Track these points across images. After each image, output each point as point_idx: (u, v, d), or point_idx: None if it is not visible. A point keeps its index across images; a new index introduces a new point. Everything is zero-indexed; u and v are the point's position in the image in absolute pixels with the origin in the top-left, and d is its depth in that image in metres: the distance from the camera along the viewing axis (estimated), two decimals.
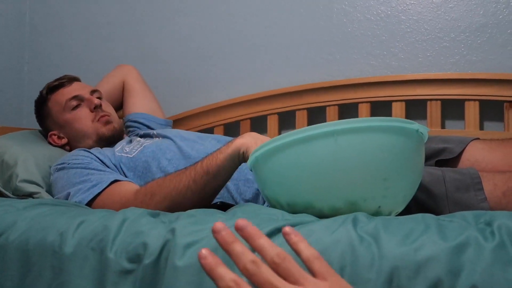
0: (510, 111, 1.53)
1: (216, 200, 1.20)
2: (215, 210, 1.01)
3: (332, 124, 0.85)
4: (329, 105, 1.70)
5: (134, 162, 1.35)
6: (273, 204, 0.97)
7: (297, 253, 0.46)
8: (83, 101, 1.49)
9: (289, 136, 0.87)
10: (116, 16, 2.01)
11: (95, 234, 0.89)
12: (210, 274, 0.43)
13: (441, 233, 0.73)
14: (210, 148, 1.35)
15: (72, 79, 1.57)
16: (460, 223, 0.77)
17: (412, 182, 0.93)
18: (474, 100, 1.56)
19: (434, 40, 1.65)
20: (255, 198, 1.26)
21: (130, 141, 1.48)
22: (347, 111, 1.70)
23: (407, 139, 0.88)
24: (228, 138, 1.46)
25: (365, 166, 0.85)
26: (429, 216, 0.82)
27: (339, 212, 0.87)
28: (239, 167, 1.09)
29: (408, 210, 0.98)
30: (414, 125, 0.89)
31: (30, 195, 1.31)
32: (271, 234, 0.80)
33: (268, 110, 1.76)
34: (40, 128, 1.60)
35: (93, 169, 1.28)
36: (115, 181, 1.22)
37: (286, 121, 1.77)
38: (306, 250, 0.46)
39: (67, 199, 1.23)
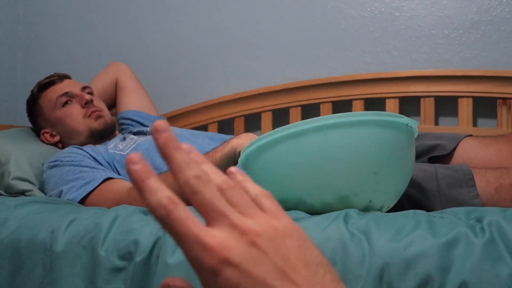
0: (503, 108, 1.53)
1: None
2: None
3: (321, 119, 0.85)
4: (323, 102, 1.69)
5: None
6: None
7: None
8: (74, 98, 1.49)
9: (278, 132, 0.87)
10: (109, 14, 2.00)
11: (87, 231, 0.89)
12: (139, 185, 0.34)
13: (432, 230, 0.73)
14: (203, 145, 1.35)
15: (63, 77, 1.56)
16: (451, 220, 0.77)
17: (403, 176, 0.94)
18: (468, 97, 1.56)
19: (427, 37, 1.65)
20: None
21: (124, 139, 1.47)
22: (341, 108, 1.70)
23: (397, 133, 0.88)
24: (222, 136, 1.46)
25: (355, 161, 0.85)
26: (420, 213, 0.82)
27: (331, 207, 0.87)
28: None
29: (400, 207, 0.98)
30: (404, 119, 0.89)
31: (23, 192, 1.31)
32: None
33: (262, 107, 1.76)
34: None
35: (86, 166, 1.28)
36: (108, 178, 1.22)
37: (280, 118, 1.77)
38: (254, 188, 0.38)
39: (59, 196, 1.22)
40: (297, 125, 0.85)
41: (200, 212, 0.35)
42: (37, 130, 1.56)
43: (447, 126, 1.59)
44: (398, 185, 0.93)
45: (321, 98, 1.69)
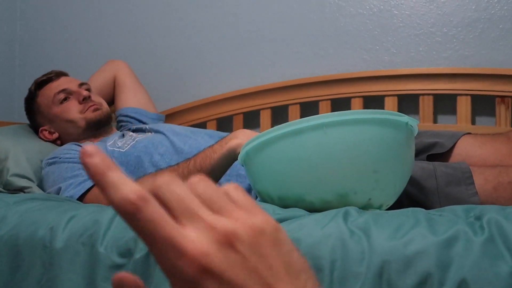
0: (502, 106, 1.53)
1: None
2: None
3: (321, 117, 0.85)
4: (322, 100, 1.70)
5: (127, 156, 1.35)
6: (264, 198, 0.97)
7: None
8: (71, 94, 1.49)
9: (278, 129, 0.87)
10: (108, 10, 2.00)
11: (86, 228, 0.89)
12: (98, 179, 0.29)
13: (431, 228, 0.73)
14: (202, 143, 1.35)
15: (60, 74, 1.56)
16: (450, 217, 0.78)
17: (402, 175, 0.94)
18: (466, 95, 1.56)
19: (426, 34, 1.65)
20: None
21: (123, 136, 1.47)
22: (340, 105, 1.70)
23: (397, 131, 0.88)
24: (221, 133, 1.46)
25: (354, 159, 0.85)
26: (419, 211, 0.82)
27: (330, 204, 0.87)
28: None
29: (399, 204, 0.98)
30: (404, 117, 0.89)
31: (21, 189, 1.31)
32: None
33: (261, 104, 1.76)
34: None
35: None
36: None
37: (279, 115, 1.77)
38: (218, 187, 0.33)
39: (58, 193, 1.22)
40: (297, 123, 0.85)
41: (168, 211, 0.30)
42: (35, 127, 1.56)
43: (445, 124, 1.59)
44: (397, 184, 0.93)
45: (320, 96, 1.69)
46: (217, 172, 1.07)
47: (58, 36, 2.06)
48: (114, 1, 1.99)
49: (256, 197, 1.23)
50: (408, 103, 1.65)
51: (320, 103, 1.70)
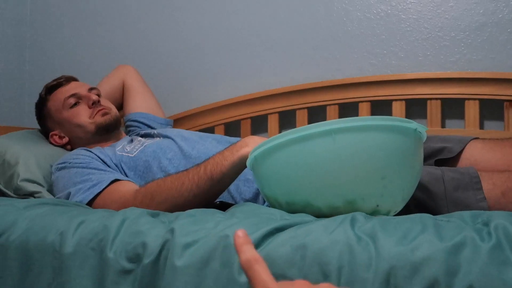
0: (510, 111, 1.53)
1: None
2: (214, 209, 1.02)
3: (331, 123, 0.85)
4: (329, 104, 1.70)
5: (135, 161, 1.35)
6: (272, 203, 0.97)
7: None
8: (81, 99, 1.50)
9: (287, 134, 0.87)
10: (116, 16, 2.01)
11: (95, 233, 0.89)
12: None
13: (438, 233, 0.73)
14: (210, 148, 1.36)
15: (70, 79, 1.58)
16: (458, 223, 0.77)
17: (410, 181, 0.94)
18: (474, 99, 1.56)
19: (434, 39, 1.65)
20: (255, 198, 1.26)
21: (131, 141, 1.48)
22: (347, 110, 1.70)
23: (405, 138, 0.88)
24: (229, 138, 1.46)
25: (363, 165, 0.85)
26: (426, 216, 0.82)
27: (338, 210, 0.87)
28: None
29: (407, 209, 0.98)
30: (412, 124, 0.89)
31: (31, 194, 1.32)
32: (269, 234, 0.80)
33: (268, 109, 1.76)
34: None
35: (94, 168, 1.29)
36: (116, 180, 1.22)
37: (287, 120, 1.77)
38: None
39: (68, 198, 1.23)
40: (306, 129, 0.86)
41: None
42: (46, 132, 1.57)
43: (453, 129, 1.59)
44: (405, 190, 0.93)
45: (327, 101, 1.70)
46: (227, 179, 1.08)
47: (66, 42, 2.07)
48: (122, 7, 2.00)
49: (264, 202, 1.23)
50: (416, 108, 1.65)
51: (328, 107, 1.70)
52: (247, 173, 1.25)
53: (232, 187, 1.25)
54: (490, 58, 1.59)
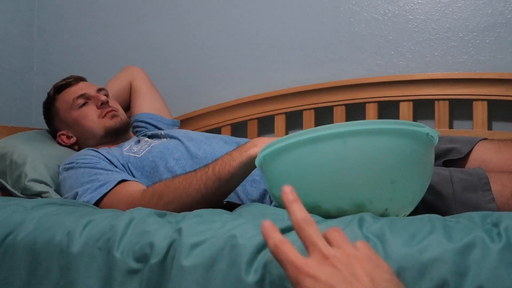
0: None
1: None
2: (222, 210, 1.01)
3: (342, 126, 0.85)
4: (336, 105, 1.69)
5: (142, 162, 1.36)
6: (280, 204, 0.97)
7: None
8: (89, 99, 1.51)
9: (298, 136, 0.87)
10: (122, 18, 2.02)
11: (102, 233, 0.89)
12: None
13: (447, 234, 0.73)
14: (217, 149, 1.36)
15: (78, 79, 1.58)
16: (467, 224, 0.77)
17: (420, 185, 0.93)
18: (482, 100, 1.55)
19: (442, 39, 1.64)
20: (261, 199, 1.26)
21: (138, 141, 1.48)
22: (354, 111, 1.70)
23: (417, 142, 0.87)
24: (236, 139, 1.46)
25: (373, 169, 0.85)
26: (435, 217, 0.81)
27: (346, 213, 0.86)
28: None
29: (415, 210, 0.97)
30: (425, 128, 0.88)
31: (39, 194, 1.33)
32: None
33: (275, 110, 1.76)
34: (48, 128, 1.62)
35: (101, 168, 1.29)
36: (123, 180, 1.23)
37: (293, 121, 1.77)
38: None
39: (75, 198, 1.24)
40: (317, 130, 0.85)
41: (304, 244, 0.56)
42: (53, 132, 1.58)
43: (461, 130, 1.58)
44: (415, 194, 0.92)
45: (335, 101, 1.69)
46: (235, 180, 1.07)
47: (73, 44, 2.09)
48: (128, 9, 2.01)
49: (271, 202, 1.23)
50: (423, 109, 1.64)
51: (335, 108, 1.69)
52: (254, 173, 1.25)
53: (239, 187, 1.24)
54: (498, 58, 1.58)
